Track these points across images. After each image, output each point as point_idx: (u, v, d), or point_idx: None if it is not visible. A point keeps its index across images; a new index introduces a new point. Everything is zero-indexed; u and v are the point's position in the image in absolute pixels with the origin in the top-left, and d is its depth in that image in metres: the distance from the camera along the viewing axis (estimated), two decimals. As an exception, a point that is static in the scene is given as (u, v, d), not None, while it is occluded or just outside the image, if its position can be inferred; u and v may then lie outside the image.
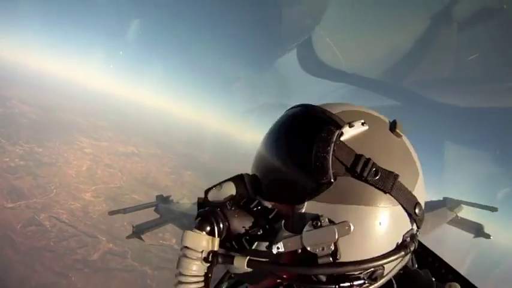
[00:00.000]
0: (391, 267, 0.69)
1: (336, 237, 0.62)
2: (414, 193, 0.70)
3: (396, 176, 0.66)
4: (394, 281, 0.74)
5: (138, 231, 4.09)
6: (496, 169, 13.20)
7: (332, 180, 0.64)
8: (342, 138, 0.67)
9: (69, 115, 17.65)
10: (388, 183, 0.66)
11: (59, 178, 12.97)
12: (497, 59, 10.27)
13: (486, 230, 4.05)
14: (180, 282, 0.63)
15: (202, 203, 0.70)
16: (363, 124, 0.70)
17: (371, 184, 0.65)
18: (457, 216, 3.86)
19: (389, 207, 0.66)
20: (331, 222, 0.63)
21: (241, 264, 0.64)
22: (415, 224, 0.71)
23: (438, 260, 0.89)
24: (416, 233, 0.73)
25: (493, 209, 3.90)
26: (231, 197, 0.69)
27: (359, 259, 0.64)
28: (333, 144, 0.65)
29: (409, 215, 0.69)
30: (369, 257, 0.65)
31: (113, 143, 16.45)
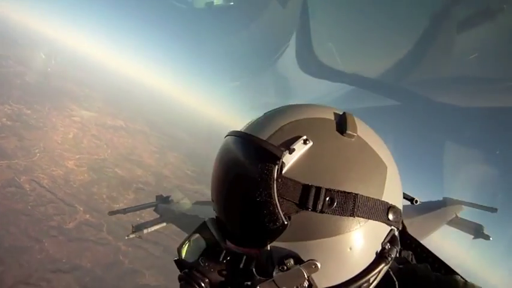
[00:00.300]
0: (376, 275, 0.66)
1: (306, 276, 0.60)
2: (384, 197, 0.65)
3: (355, 196, 0.61)
4: (393, 276, 0.72)
5: (137, 231, 4.18)
6: (496, 169, 12.92)
7: (286, 222, 0.60)
8: (284, 171, 0.61)
9: (62, 81, 17.84)
10: (348, 206, 0.61)
11: (44, 142, 13.05)
12: (498, 59, 10.26)
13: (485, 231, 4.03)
14: None
15: (180, 262, 0.72)
16: (305, 142, 0.63)
17: (330, 213, 0.60)
18: (456, 216, 3.85)
19: (357, 229, 0.62)
20: (297, 262, 0.61)
21: None
22: (393, 226, 0.68)
23: (438, 261, 0.88)
24: (397, 232, 0.70)
25: (493, 210, 3.87)
26: (202, 251, 0.70)
27: (339, 282, 0.63)
28: (274, 184, 0.60)
29: (383, 222, 0.65)
30: (349, 278, 0.63)
31: (103, 114, 16.55)
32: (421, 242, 0.93)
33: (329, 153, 0.64)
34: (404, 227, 0.85)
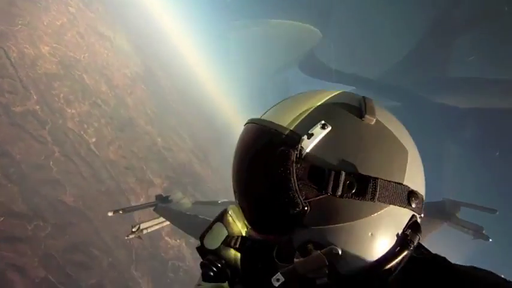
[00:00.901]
0: (399, 262, 0.64)
1: (326, 263, 0.60)
2: (406, 181, 0.65)
3: (376, 180, 0.61)
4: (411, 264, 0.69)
5: (137, 232, 4.43)
6: (496, 170, 11.90)
7: (305, 207, 0.63)
8: (303, 156, 0.63)
9: (78, -32, 16.42)
10: (368, 191, 0.61)
11: (31, 18, 12.71)
12: (498, 59, 10.60)
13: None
14: None
15: (202, 250, 0.76)
16: (324, 127, 0.64)
17: (350, 198, 0.61)
18: (456, 217, 3.95)
19: (377, 214, 0.62)
20: (317, 248, 0.62)
21: None
22: (415, 211, 0.67)
23: None
24: (419, 218, 0.70)
25: (493, 211, 3.88)
26: (224, 238, 0.74)
27: (361, 268, 0.63)
28: (293, 169, 0.62)
29: (404, 207, 0.64)
30: (370, 264, 0.63)
31: (98, 18, 16.31)
32: (421, 242, 0.87)
33: (348, 137, 0.64)
34: None
